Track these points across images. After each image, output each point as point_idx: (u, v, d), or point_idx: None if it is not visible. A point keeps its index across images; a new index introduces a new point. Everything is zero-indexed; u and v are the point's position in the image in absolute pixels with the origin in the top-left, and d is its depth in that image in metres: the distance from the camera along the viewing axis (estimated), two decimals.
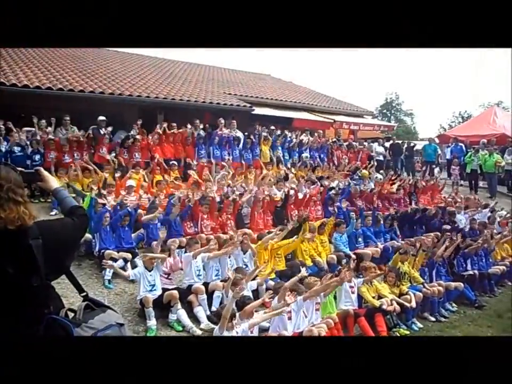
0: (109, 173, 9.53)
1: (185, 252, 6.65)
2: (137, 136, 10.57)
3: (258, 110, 14.95)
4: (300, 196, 9.68)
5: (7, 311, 1.80)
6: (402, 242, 8.77)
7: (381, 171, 13.50)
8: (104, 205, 7.40)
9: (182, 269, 6.50)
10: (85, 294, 2.13)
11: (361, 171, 12.84)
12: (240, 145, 12.12)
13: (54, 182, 2.21)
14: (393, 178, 12.69)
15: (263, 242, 7.14)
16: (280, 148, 12.80)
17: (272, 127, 13.28)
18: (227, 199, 8.58)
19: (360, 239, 8.75)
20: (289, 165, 12.25)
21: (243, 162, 11.80)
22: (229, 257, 6.78)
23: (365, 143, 15.86)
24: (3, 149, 9.09)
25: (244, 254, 7.01)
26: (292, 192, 9.71)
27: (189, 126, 11.40)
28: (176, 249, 6.43)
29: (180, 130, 11.26)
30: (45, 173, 2.20)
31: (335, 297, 6.37)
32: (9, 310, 1.80)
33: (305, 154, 12.91)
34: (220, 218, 8.33)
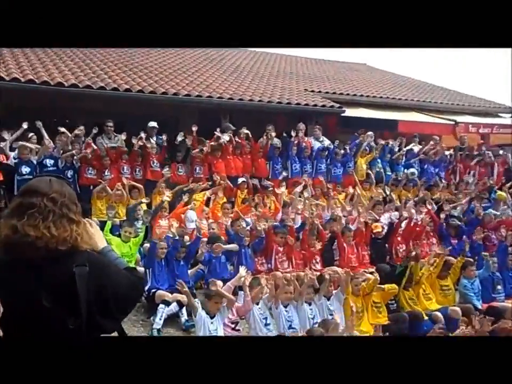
0: (159, 192, 9.89)
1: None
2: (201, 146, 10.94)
3: (350, 111, 14.80)
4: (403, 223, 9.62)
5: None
6: None
7: None
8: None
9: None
10: None
11: (495, 192, 12.38)
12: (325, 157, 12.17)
13: (100, 240, 2.27)
14: None
15: (353, 285, 7.14)
16: (379, 160, 12.70)
17: (370, 133, 13.08)
18: (309, 228, 8.63)
19: (499, 287, 8.34)
20: (390, 183, 12.19)
21: (329, 179, 11.87)
22: (310, 304, 6.82)
23: (501, 152, 15.19)
24: (34, 161, 9.51)
25: (329, 300, 7.00)
26: (394, 217, 9.69)
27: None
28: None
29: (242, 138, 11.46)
30: (89, 229, 2.24)
31: None
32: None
33: (412, 170, 12.75)
34: (301, 252, 8.40)
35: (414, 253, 8.31)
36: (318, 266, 8.40)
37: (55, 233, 1.98)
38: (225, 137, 11.11)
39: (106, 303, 1.99)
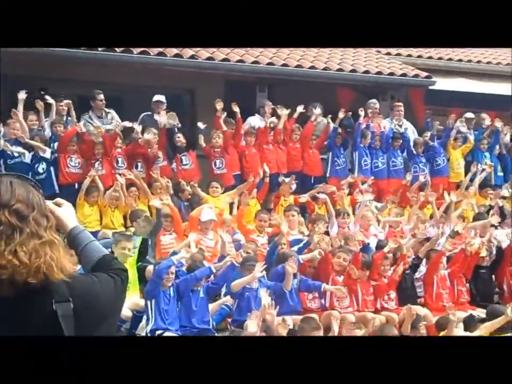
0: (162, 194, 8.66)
1: None
2: (219, 132, 9.56)
3: (443, 83, 12.55)
4: None
5: None
6: None
7: None
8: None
9: None
10: None
11: None
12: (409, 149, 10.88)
13: (69, 218, 2.09)
14: None
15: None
16: (488, 154, 11.06)
17: (470, 115, 11.53)
18: (380, 250, 7.76)
19: None
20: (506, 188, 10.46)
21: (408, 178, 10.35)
22: None
23: None
24: None
25: None
26: (506, 238, 8.71)
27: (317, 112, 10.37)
28: None
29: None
30: (52, 207, 2.03)
31: None
32: None
33: None
34: (369, 284, 7.55)
35: None
36: (393, 305, 7.48)
37: (25, 260, 1.68)
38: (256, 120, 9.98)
39: (98, 322, 1.84)
